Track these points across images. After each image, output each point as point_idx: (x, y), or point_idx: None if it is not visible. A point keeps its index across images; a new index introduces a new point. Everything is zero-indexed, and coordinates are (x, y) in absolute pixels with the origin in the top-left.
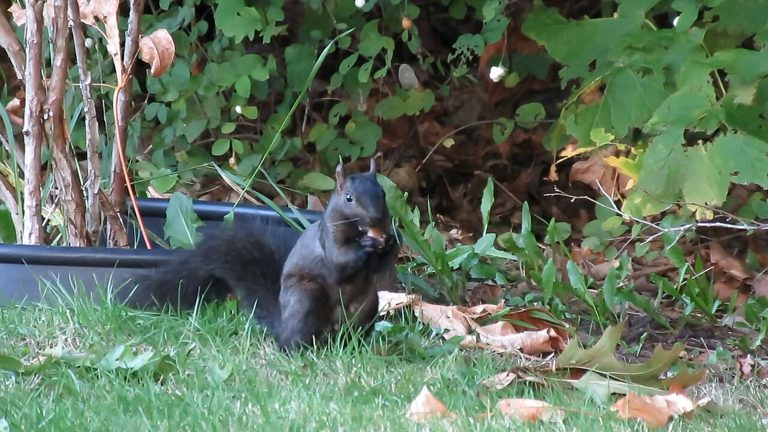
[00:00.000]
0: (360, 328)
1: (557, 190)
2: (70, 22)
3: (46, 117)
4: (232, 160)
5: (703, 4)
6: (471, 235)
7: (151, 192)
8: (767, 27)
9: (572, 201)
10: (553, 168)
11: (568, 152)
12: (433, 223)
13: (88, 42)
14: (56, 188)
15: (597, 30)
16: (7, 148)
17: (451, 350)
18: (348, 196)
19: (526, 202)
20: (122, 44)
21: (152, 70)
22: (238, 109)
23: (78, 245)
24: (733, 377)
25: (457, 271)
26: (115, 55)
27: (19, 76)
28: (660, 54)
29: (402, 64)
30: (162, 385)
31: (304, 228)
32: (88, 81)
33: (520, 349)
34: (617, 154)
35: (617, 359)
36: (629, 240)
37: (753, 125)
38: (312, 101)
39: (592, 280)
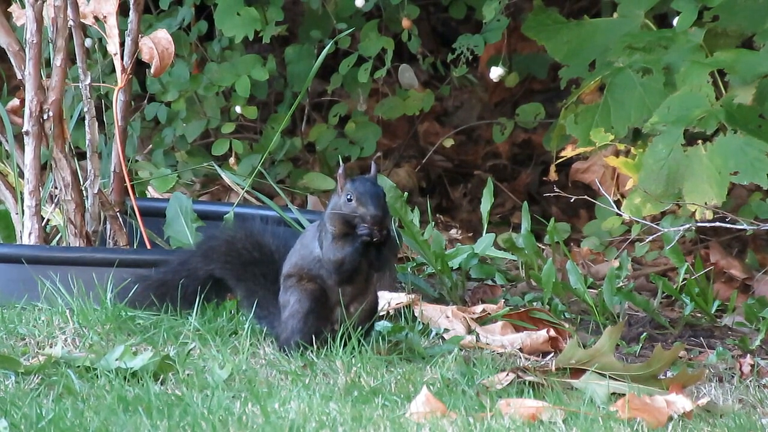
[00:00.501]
0: (360, 327)
1: (557, 190)
2: (70, 22)
3: (45, 117)
4: (232, 160)
5: (703, 4)
6: (471, 235)
7: (151, 192)
8: (767, 27)
9: (572, 201)
10: (552, 168)
11: (568, 152)
12: (433, 223)
13: (88, 42)
14: (56, 188)
15: (597, 30)
16: (7, 148)
17: (450, 350)
18: (348, 197)
19: (525, 202)
20: (122, 44)
21: (152, 70)
22: (238, 109)
23: (78, 245)
24: (733, 377)
25: (457, 271)
26: (114, 55)
27: (19, 76)
28: (660, 54)
29: (402, 64)
30: (162, 385)
31: (304, 228)
32: (88, 81)
33: (520, 349)
34: (617, 154)
35: (617, 359)
36: (629, 240)
37: (753, 125)
38: (312, 101)
39: (592, 280)
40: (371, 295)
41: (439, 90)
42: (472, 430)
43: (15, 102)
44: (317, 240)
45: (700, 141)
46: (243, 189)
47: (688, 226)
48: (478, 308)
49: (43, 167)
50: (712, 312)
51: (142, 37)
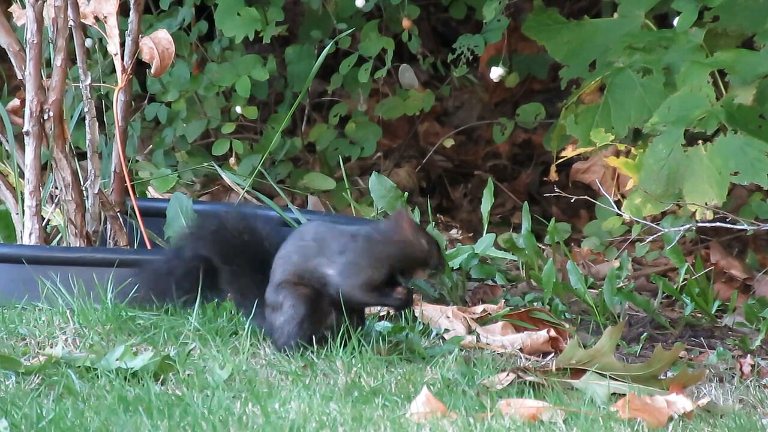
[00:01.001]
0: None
1: (557, 190)
2: (70, 22)
3: (46, 117)
4: (232, 160)
5: (703, 4)
6: (471, 235)
7: (151, 192)
8: (767, 27)
9: (572, 201)
10: (553, 168)
11: (568, 152)
12: (433, 223)
13: (88, 42)
14: (56, 188)
15: (597, 30)
16: (7, 148)
17: (451, 350)
18: (423, 255)
19: (526, 202)
20: (122, 44)
21: (152, 70)
22: (238, 109)
23: (78, 245)
24: (733, 377)
25: (457, 271)
26: (115, 55)
27: (19, 76)
28: (660, 54)
29: (402, 64)
30: (162, 385)
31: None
32: (88, 81)
33: (520, 349)
34: (617, 154)
35: (617, 359)
36: (629, 240)
37: (753, 125)
38: (312, 101)
39: (592, 280)
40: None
41: (439, 90)
42: (473, 430)
43: (15, 102)
44: (326, 258)
45: (700, 141)
46: (243, 189)
47: (688, 226)
48: (479, 308)
49: (44, 167)
50: (713, 312)
51: (142, 37)
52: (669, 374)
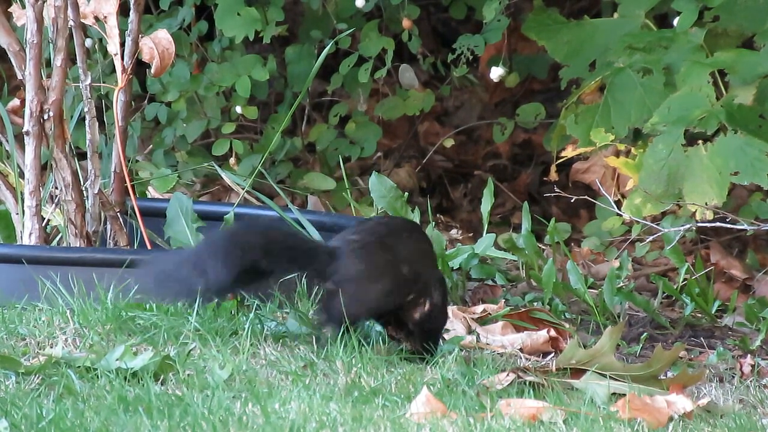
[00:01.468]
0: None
1: (557, 190)
2: (70, 22)
3: (46, 117)
4: (232, 160)
5: (703, 4)
6: (471, 235)
7: (151, 192)
8: (767, 27)
9: (572, 201)
10: (553, 168)
11: (568, 152)
12: (433, 223)
13: (88, 42)
14: (56, 188)
15: (597, 30)
16: (7, 148)
17: (451, 350)
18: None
19: (526, 202)
20: (122, 44)
21: (152, 70)
22: (238, 109)
23: (78, 245)
24: (733, 377)
25: (457, 271)
26: (115, 55)
27: (19, 76)
28: (660, 54)
29: (402, 64)
30: (162, 385)
31: (304, 228)
32: (88, 81)
33: (520, 349)
34: (617, 154)
35: (617, 359)
36: (629, 240)
37: (753, 125)
38: (312, 101)
39: (592, 280)
40: None
41: (439, 90)
42: (473, 430)
43: (15, 102)
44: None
45: (700, 141)
46: (243, 189)
47: (688, 226)
48: (479, 308)
49: (44, 167)
50: (713, 312)
51: (142, 37)
52: (669, 374)
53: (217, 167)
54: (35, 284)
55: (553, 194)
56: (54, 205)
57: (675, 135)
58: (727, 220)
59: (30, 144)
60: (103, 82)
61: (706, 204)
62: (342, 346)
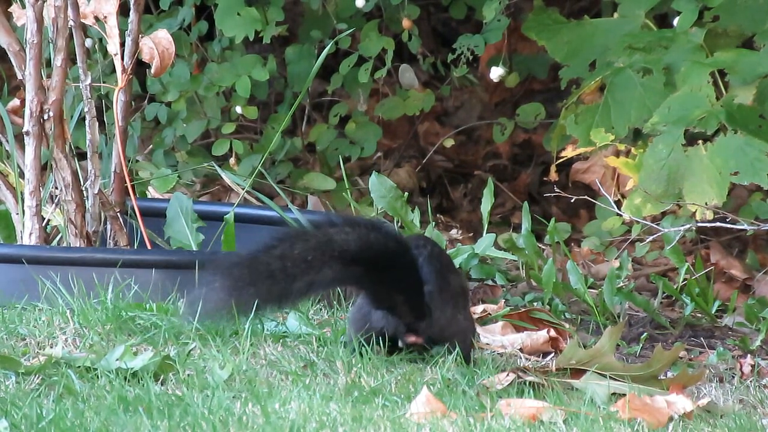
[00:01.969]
0: None
1: (557, 190)
2: (71, 22)
3: (46, 117)
4: (232, 160)
5: (703, 4)
6: (471, 235)
7: (151, 192)
8: (767, 27)
9: (572, 201)
10: (553, 168)
11: (568, 152)
12: (433, 223)
13: (88, 42)
14: (56, 188)
15: (597, 30)
16: (7, 148)
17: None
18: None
19: (526, 202)
20: (122, 44)
21: (152, 70)
22: (238, 109)
23: (78, 245)
24: (733, 377)
25: None
26: (115, 55)
27: (19, 76)
28: (660, 54)
29: (402, 64)
30: (162, 385)
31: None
32: (88, 81)
33: (520, 349)
34: (617, 154)
35: (617, 359)
36: (629, 240)
37: (753, 125)
38: (312, 101)
39: (592, 280)
40: None
41: (439, 90)
42: (473, 430)
43: (15, 102)
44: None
45: (700, 141)
46: (243, 189)
47: (688, 226)
48: (479, 308)
49: (44, 167)
50: (713, 312)
51: (142, 37)
52: (669, 374)
53: (217, 167)
54: (35, 284)
55: (553, 194)
56: (54, 205)
57: (675, 135)
58: (727, 220)
59: (30, 144)
60: (103, 82)
61: (706, 204)
62: (342, 347)
